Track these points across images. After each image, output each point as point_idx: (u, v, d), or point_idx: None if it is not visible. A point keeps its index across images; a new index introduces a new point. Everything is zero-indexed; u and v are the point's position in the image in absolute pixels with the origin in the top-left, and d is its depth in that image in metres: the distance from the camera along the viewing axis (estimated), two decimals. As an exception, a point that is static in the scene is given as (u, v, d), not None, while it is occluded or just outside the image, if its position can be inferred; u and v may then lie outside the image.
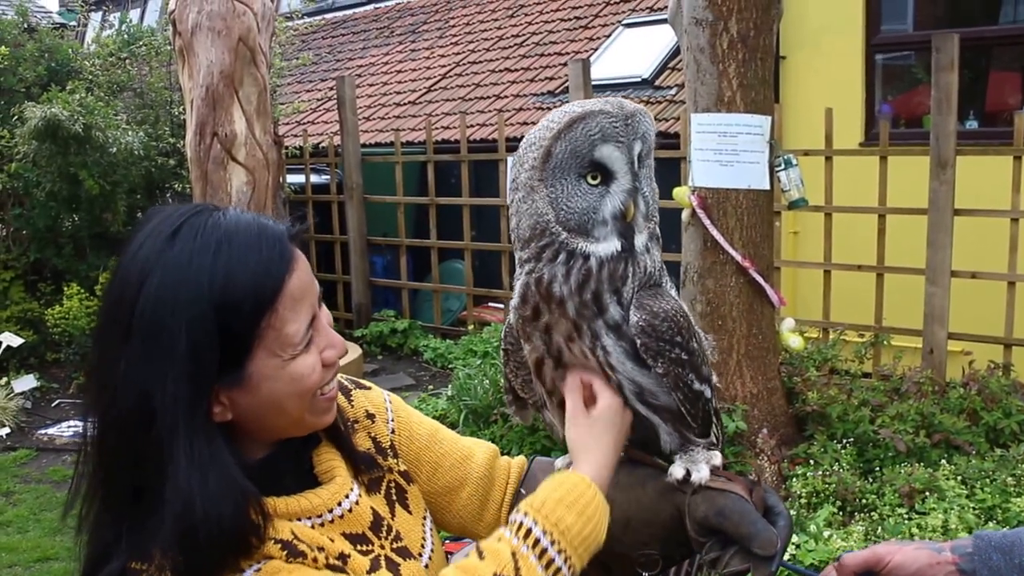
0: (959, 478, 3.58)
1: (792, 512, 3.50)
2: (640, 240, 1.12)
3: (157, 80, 7.58)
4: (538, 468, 1.31)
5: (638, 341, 1.10)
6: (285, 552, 0.99)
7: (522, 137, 1.18)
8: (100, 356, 0.99)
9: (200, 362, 0.93)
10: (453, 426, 4.53)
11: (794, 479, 3.75)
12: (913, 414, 3.93)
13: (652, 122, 1.14)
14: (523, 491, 1.28)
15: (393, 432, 1.24)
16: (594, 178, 1.10)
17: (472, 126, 7.59)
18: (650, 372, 1.11)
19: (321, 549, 1.02)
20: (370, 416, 1.23)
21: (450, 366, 6.07)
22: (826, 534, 3.33)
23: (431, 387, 6.07)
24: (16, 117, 6.72)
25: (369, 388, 1.28)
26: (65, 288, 6.77)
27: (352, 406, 1.22)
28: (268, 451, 1.08)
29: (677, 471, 1.13)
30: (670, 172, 5.25)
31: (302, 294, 1.00)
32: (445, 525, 1.30)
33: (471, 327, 6.57)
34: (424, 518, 1.22)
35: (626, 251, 1.10)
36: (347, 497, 1.10)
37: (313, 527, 1.05)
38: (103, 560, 0.97)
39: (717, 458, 1.16)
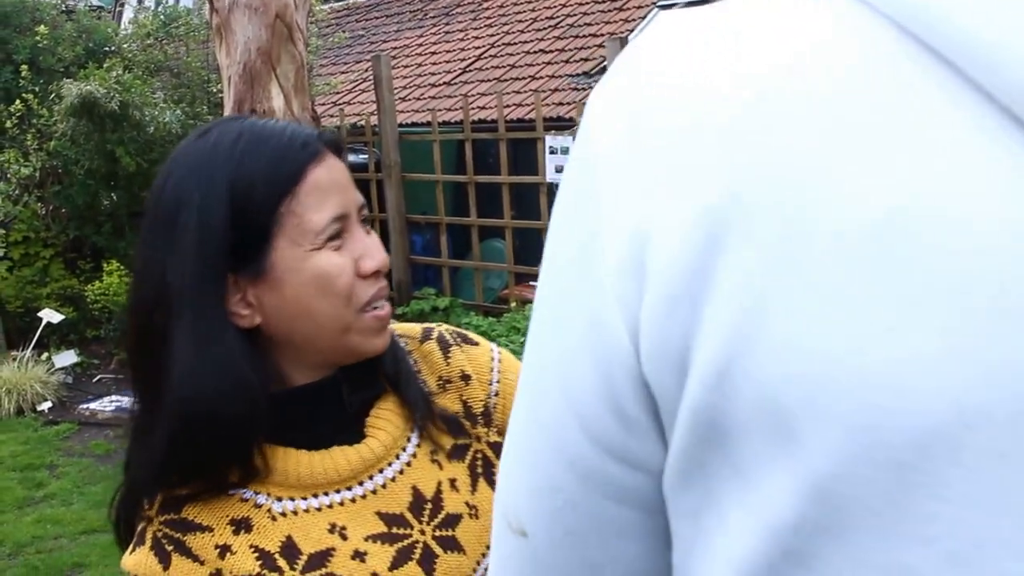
0: None
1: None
2: None
3: (194, 60, 7.57)
4: None
5: None
6: (260, 563, 0.92)
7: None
8: (137, 254, 1.01)
9: (209, 239, 0.91)
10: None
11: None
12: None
13: None
14: None
15: (496, 394, 1.08)
16: None
17: (509, 106, 7.50)
18: None
19: (330, 550, 0.94)
20: (465, 377, 1.07)
21: (493, 343, 6.03)
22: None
23: (472, 365, 6.02)
24: (54, 95, 6.74)
25: (476, 344, 1.10)
26: (105, 265, 6.79)
27: (448, 363, 1.07)
28: (309, 380, 0.98)
29: None
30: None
31: (329, 188, 0.95)
32: None
33: (513, 304, 6.52)
34: None
35: None
36: (381, 472, 0.98)
37: (343, 503, 0.96)
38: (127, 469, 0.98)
39: None
